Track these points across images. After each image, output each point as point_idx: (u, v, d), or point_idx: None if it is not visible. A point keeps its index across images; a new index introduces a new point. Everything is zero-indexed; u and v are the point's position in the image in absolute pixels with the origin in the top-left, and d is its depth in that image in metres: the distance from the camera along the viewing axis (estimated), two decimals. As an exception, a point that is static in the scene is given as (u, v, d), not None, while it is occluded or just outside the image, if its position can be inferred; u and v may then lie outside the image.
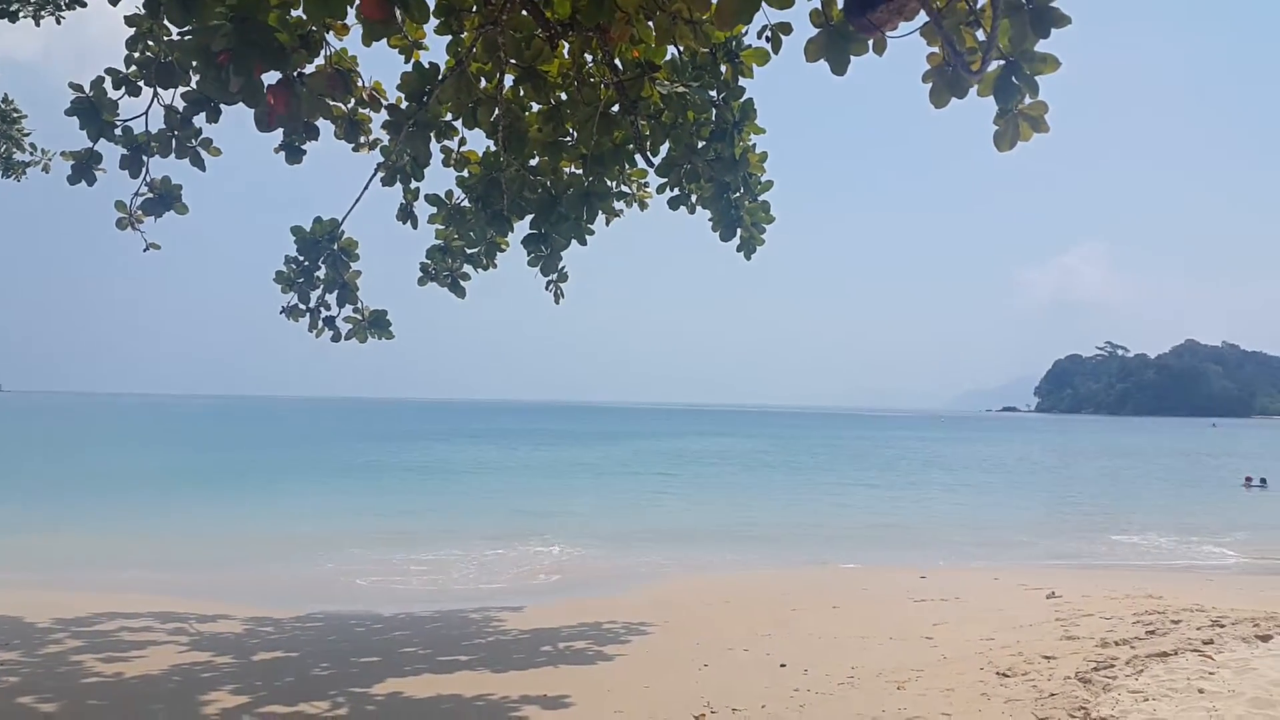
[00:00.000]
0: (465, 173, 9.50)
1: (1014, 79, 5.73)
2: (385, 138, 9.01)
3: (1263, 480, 38.31)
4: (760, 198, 9.72)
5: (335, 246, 9.61)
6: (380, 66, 8.79)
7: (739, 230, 9.68)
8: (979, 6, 4.53)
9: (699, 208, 9.77)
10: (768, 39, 7.28)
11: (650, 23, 7.57)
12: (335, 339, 9.91)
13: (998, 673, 8.00)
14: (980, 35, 5.98)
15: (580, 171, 9.22)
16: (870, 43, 5.73)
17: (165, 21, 7.79)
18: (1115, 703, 6.78)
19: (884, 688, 7.79)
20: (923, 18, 5.77)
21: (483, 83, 8.28)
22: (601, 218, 9.86)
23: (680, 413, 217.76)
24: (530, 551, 18.16)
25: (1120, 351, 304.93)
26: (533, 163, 9.20)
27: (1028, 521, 25.76)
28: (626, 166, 9.71)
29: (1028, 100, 5.80)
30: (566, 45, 8.20)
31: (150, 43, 8.47)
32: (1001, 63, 5.76)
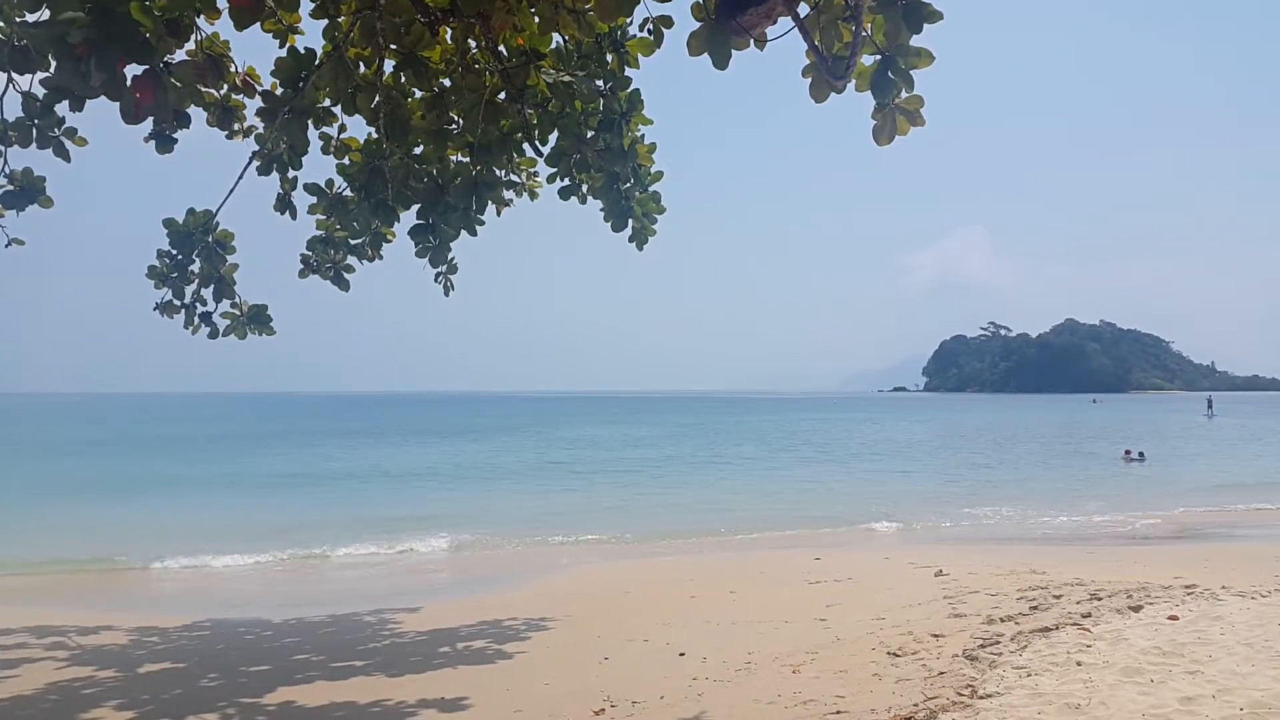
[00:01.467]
0: (346, 161, 9.21)
1: (890, 74, 5.83)
2: (261, 125, 8.67)
3: (1140, 454, 40.33)
4: (650, 188, 9.72)
5: (210, 239, 9.22)
6: (255, 51, 8.45)
7: (630, 221, 9.67)
8: (854, 3, 4.56)
9: (590, 198, 9.71)
10: (650, 31, 7.25)
11: (534, 11, 7.48)
12: (212, 335, 9.52)
13: (889, 653, 8.21)
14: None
15: (467, 160, 9.06)
16: (756, 36, 5.77)
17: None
18: (1000, 679, 7.01)
19: (780, 672, 7.91)
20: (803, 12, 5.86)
21: (362, 68, 8.04)
22: (492, 208, 9.73)
23: (581, 400, 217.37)
24: (428, 550, 17.76)
25: (1003, 331, 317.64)
26: (417, 151, 8.99)
27: (916, 499, 26.46)
28: (515, 156, 9.59)
29: (904, 95, 5.92)
30: (449, 31, 8.03)
31: (2, 24, 7.94)
32: (878, 58, 5.86)
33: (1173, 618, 8.75)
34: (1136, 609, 9.26)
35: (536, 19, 7.48)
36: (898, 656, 8.04)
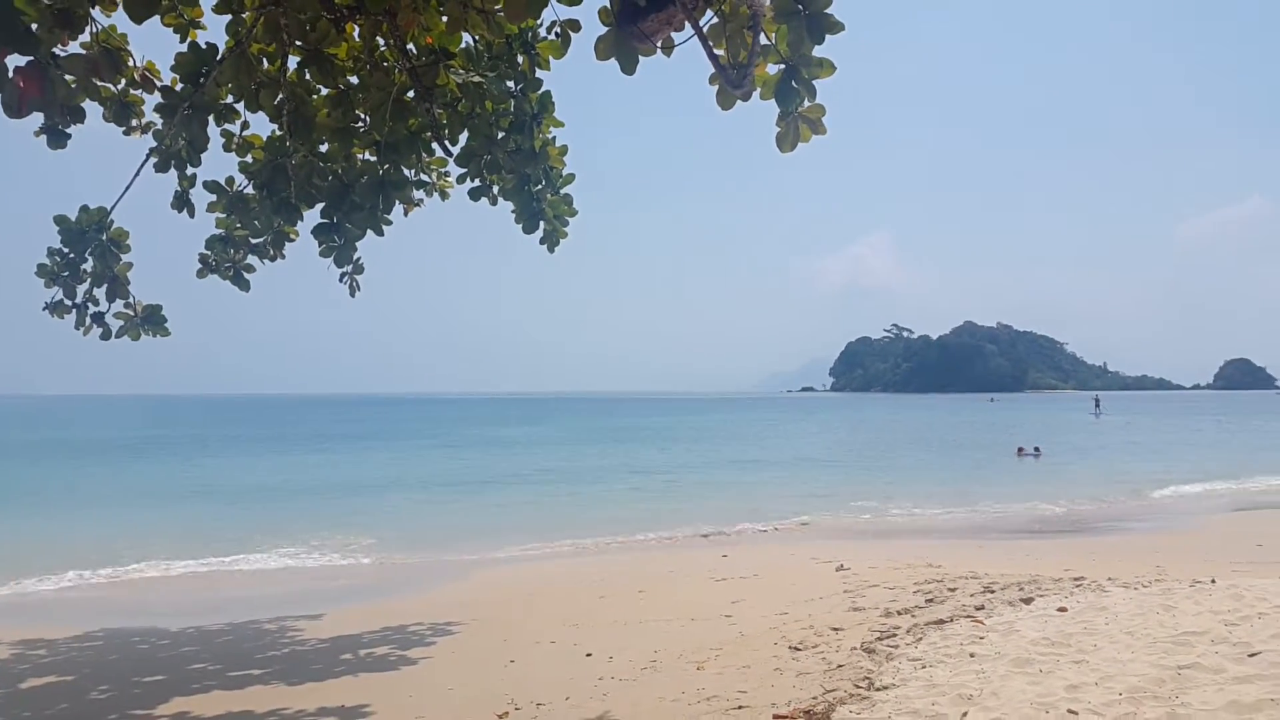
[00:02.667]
0: (249, 158, 9.00)
1: (793, 83, 5.98)
2: (159, 121, 8.42)
3: (1036, 449, 41.95)
4: (562, 190, 9.74)
5: (104, 237, 8.89)
6: (155, 46, 8.20)
7: (542, 223, 9.66)
8: (753, 11, 4.68)
9: (501, 199, 9.67)
10: (557, 34, 7.28)
11: (442, 11, 7.42)
12: (105, 336, 9.18)
13: (790, 647, 8.40)
14: (763, 39, 6.22)
15: (374, 159, 8.93)
16: (659, 43, 5.85)
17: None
18: (896, 671, 7.24)
19: (685, 669, 8.02)
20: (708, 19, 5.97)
21: (265, 64, 7.88)
22: (400, 208, 9.62)
23: (496, 402, 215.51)
24: (330, 556, 17.33)
25: (905, 333, 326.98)
26: (323, 149, 8.84)
27: (821, 496, 27.02)
28: (424, 155, 9.50)
29: (807, 103, 6.08)
30: (356, 28, 7.91)
31: None
32: (781, 67, 6.01)
33: (1061, 609, 9.12)
34: (1027, 601, 9.64)
35: (445, 19, 7.42)
36: (799, 650, 8.24)
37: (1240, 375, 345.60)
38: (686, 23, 5.34)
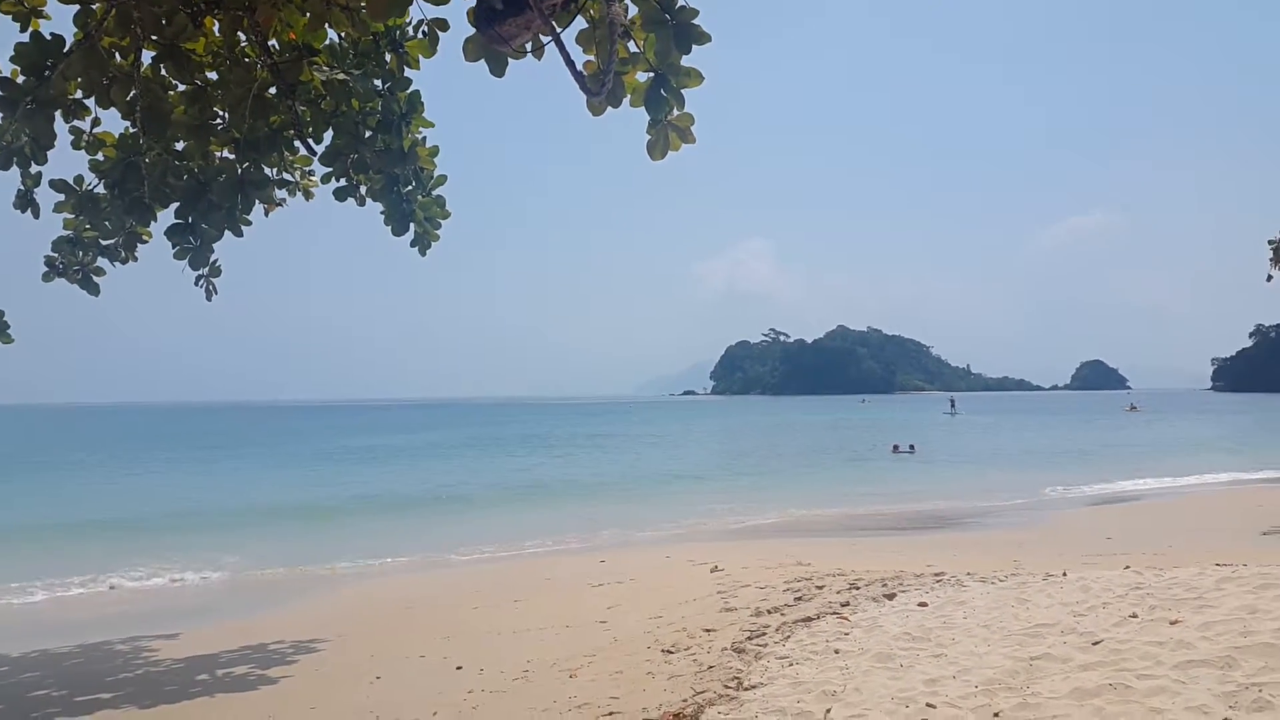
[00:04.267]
0: (99, 156, 8.53)
1: (662, 91, 6.04)
2: None
3: (911, 446, 43.51)
4: (434, 192, 9.56)
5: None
6: (-8, 35, 7.68)
7: (412, 225, 9.47)
8: (610, 20, 4.68)
9: (369, 200, 9.44)
10: (424, 34, 7.15)
11: (304, 7, 7.20)
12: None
13: (663, 650, 8.44)
14: (633, 47, 6.26)
15: (233, 157, 8.60)
16: (528, 47, 5.81)
17: None
18: (764, 670, 7.36)
19: (557, 678, 7.97)
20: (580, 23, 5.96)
21: (117, 58, 7.47)
22: (260, 208, 9.28)
23: (370, 409, 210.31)
24: (187, 574, 16.35)
25: (782, 337, 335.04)
26: (178, 146, 8.45)
27: (697, 498, 27.30)
28: (286, 153, 9.18)
29: (676, 112, 6.14)
30: (215, 23, 7.59)
31: None
32: (650, 75, 6.06)
33: (922, 604, 9.44)
34: (891, 597, 9.94)
35: (306, 15, 7.20)
36: (671, 653, 8.30)
37: (1095, 376, 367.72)
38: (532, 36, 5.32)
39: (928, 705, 6.08)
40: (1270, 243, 19.08)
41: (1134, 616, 7.68)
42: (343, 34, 7.88)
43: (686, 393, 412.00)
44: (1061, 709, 5.69)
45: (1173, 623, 7.31)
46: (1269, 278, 19.41)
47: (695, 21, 5.73)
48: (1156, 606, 7.91)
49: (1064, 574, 10.34)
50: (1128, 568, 10.59)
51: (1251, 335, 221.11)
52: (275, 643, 10.36)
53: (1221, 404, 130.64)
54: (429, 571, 16.27)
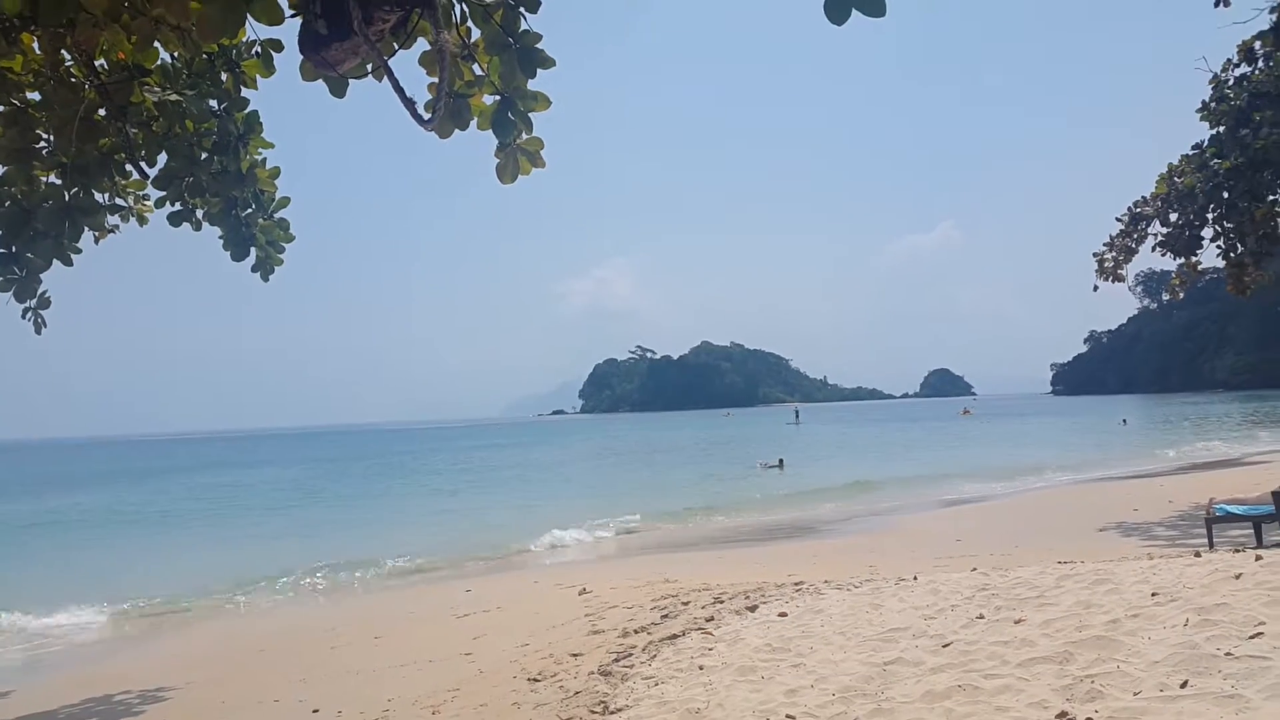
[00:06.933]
0: (-93, 182, 7.85)
1: (509, 115, 5.99)
2: None
3: (779, 461, 44.37)
4: (276, 215, 9.21)
5: None
6: None
7: (253, 249, 9.10)
8: (439, 47, 4.60)
9: (207, 224, 9.03)
10: (257, 54, 6.90)
11: (128, 27, 6.81)
12: None
13: (529, 679, 8.30)
14: (477, 69, 6.19)
15: (60, 182, 8.07)
16: (369, 68, 5.66)
17: None
18: (630, 691, 7.32)
19: (419, 715, 7.72)
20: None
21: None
22: (90, 235, 8.73)
23: (226, 440, 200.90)
24: (23, 621, 15.11)
25: (649, 354, 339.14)
26: (-1, 171, 7.87)
27: (566, 520, 27.07)
28: (118, 178, 8.68)
29: (525, 136, 6.09)
30: (35, 40, 7.11)
31: None
32: (497, 99, 6.00)
33: (782, 614, 9.58)
34: (753, 609, 10.07)
35: (131, 35, 6.82)
36: (537, 681, 8.16)
37: (943, 384, 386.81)
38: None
39: (788, 717, 6.16)
40: (1094, 255, 20.34)
41: (981, 617, 7.99)
42: (175, 54, 7.51)
43: (556, 412, 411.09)
44: (914, 713, 5.85)
45: (1017, 621, 7.64)
46: (1095, 288, 20.68)
47: (539, 46, 5.71)
48: (1002, 607, 8.25)
49: (915, 578, 10.70)
50: (975, 569, 11.03)
51: (1086, 341, 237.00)
52: (120, 693, 9.74)
53: (1053, 406, 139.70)
54: (281, 609, 15.59)
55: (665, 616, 10.25)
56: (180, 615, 15.42)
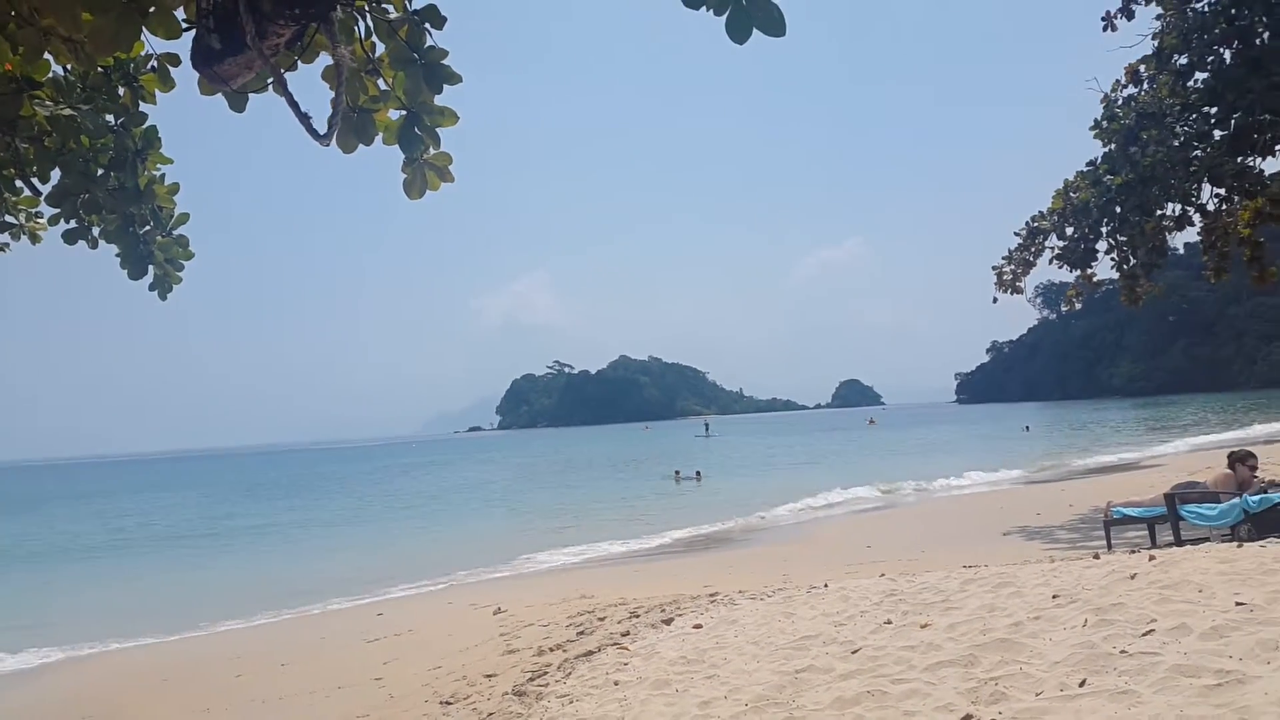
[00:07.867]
0: None
1: (416, 129, 5.95)
2: None
3: (697, 473, 44.50)
4: (175, 231, 8.94)
5: None
6: None
7: (151, 267, 8.81)
8: (377, 55, 4.57)
9: (103, 242, 8.71)
10: (153, 68, 6.70)
11: (13, 39, 6.56)
12: None
13: (441, 702, 8.19)
14: (382, 84, 6.13)
15: (-56, 200, 7.71)
16: (268, 82, 5.55)
17: None
18: (545, 711, 7.28)
19: (329, 743, 7.56)
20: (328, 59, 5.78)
21: None
22: (-21, 255, 8.36)
23: (137, 463, 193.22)
24: None
25: (567, 369, 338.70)
26: (-128, 188, 7.48)
27: (480, 538, 26.79)
28: (8, 195, 8.33)
29: (432, 151, 6.05)
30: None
31: None
32: (403, 113, 5.96)
33: (697, 626, 9.63)
34: (668, 622, 10.10)
35: (15, 47, 6.56)
36: (450, 704, 8.06)
37: (853, 394, 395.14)
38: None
39: (701, 729, 6.21)
40: (994, 268, 21.02)
41: (889, 623, 8.16)
42: (68, 66, 7.26)
43: (473, 429, 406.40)
44: (825, 719, 5.96)
45: (923, 626, 7.83)
46: (995, 300, 21.36)
47: (446, 62, 5.69)
48: (909, 612, 8.44)
49: (826, 585, 10.86)
50: (883, 575, 11.27)
51: (988, 351, 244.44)
52: (10, 735, 9.25)
53: (957, 415, 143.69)
54: (186, 638, 15.02)
55: (581, 633, 10.22)
56: (74, 646, 14.73)
